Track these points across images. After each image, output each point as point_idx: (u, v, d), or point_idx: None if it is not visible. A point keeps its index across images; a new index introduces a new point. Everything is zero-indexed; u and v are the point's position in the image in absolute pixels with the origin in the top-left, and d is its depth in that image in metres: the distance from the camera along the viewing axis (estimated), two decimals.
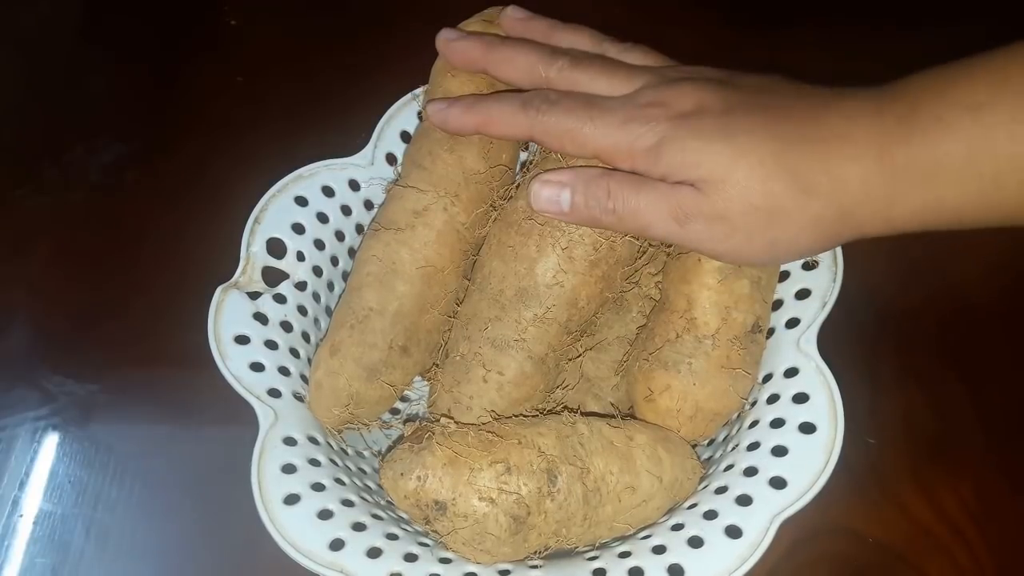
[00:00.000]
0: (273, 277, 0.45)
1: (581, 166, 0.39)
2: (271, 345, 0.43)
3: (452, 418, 0.40)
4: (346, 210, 0.48)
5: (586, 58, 0.40)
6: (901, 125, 0.34)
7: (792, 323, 0.42)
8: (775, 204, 0.35)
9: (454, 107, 0.41)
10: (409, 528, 0.39)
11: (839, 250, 0.43)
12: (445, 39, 0.43)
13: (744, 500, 0.38)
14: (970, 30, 0.66)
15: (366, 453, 0.45)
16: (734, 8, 0.68)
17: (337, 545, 0.36)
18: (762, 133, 0.35)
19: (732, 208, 0.35)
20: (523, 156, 0.48)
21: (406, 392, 0.46)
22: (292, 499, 0.37)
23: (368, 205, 0.48)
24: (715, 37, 0.66)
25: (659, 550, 0.37)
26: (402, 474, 0.36)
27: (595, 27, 0.44)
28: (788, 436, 0.39)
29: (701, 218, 0.36)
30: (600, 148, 0.38)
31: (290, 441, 0.39)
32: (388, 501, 0.41)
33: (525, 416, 0.41)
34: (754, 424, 0.41)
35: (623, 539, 0.39)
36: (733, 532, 0.37)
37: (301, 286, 0.45)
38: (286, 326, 0.44)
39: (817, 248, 0.37)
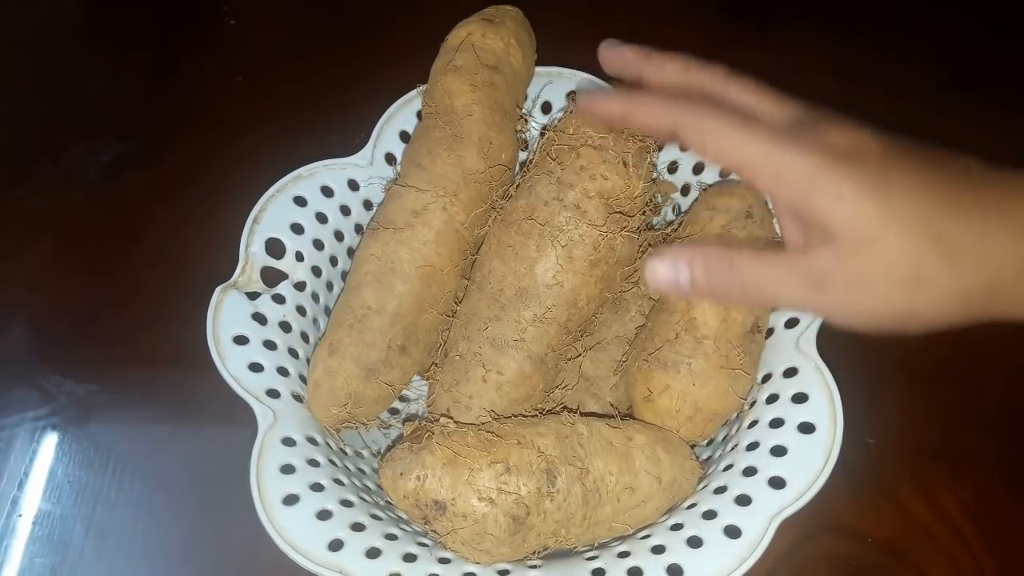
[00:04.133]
0: (272, 277, 0.45)
1: (697, 244, 0.37)
2: (270, 345, 0.43)
3: (451, 418, 0.40)
4: (345, 210, 0.48)
5: (742, 76, 0.38)
6: None
7: (791, 323, 0.42)
8: (922, 272, 0.33)
9: (604, 96, 0.39)
10: (408, 528, 0.39)
11: None
12: (607, 43, 0.41)
13: (743, 500, 0.38)
14: (967, 26, 0.66)
15: (365, 453, 0.45)
16: (734, 6, 0.68)
17: (336, 545, 0.36)
18: (919, 193, 0.33)
19: (874, 272, 0.33)
20: (522, 156, 0.48)
21: (405, 392, 0.46)
22: (291, 499, 0.37)
23: (367, 205, 0.48)
24: (715, 34, 0.66)
25: (658, 550, 0.37)
26: (401, 474, 0.36)
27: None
28: (787, 436, 0.39)
29: (839, 283, 0.34)
30: (743, 161, 0.35)
31: (289, 441, 0.39)
32: (387, 501, 0.41)
33: (524, 416, 0.41)
34: (753, 424, 0.41)
35: (622, 539, 0.39)
36: (732, 532, 0.37)
37: (300, 286, 0.45)
38: (285, 326, 0.44)
39: (956, 319, 0.35)
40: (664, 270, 0.37)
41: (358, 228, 0.48)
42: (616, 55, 0.41)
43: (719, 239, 0.38)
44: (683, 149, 0.48)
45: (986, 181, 0.34)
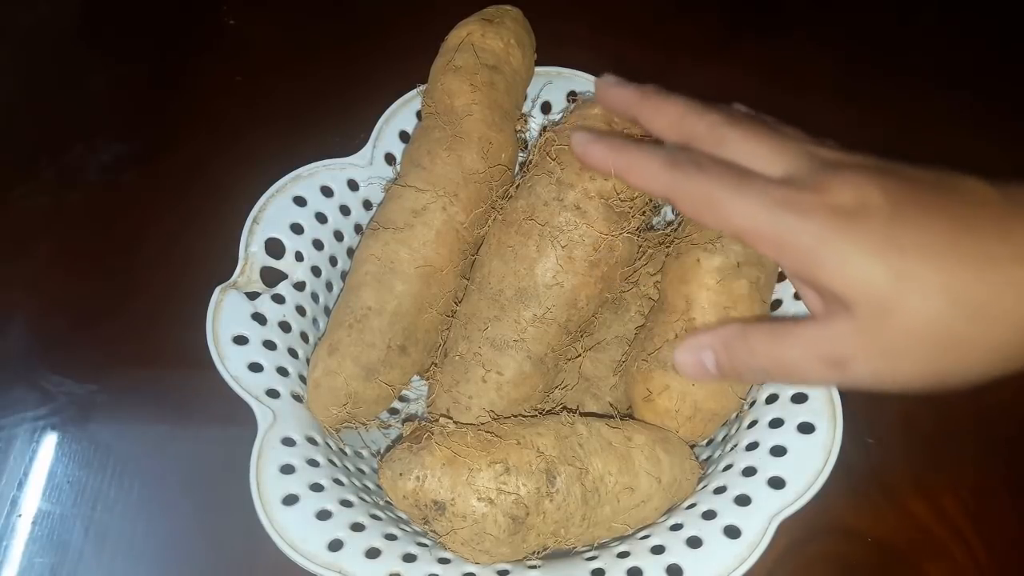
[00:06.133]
0: (272, 277, 0.45)
1: (717, 328, 0.36)
2: (269, 345, 0.43)
3: (451, 418, 0.40)
4: (345, 210, 0.48)
5: (741, 118, 0.36)
6: None
7: None
8: (950, 337, 0.31)
9: (599, 144, 0.38)
10: (408, 528, 0.39)
11: None
12: (604, 80, 0.40)
13: (743, 500, 0.38)
14: (968, 27, 0.66)
15: (365, 453, 0.45)
16: (733, 7, 0.68)
17: (336, 546, 0.36)
18: (938, 251, 0.30)
19: (898, 342, 0.31)
20: (521, 157, 0.48)
21: (404, 392, 0.46)
22: (291, 500, 0.37)
23: (367, 205, 0.48)
24: (713, 35, 0.66)
25: (658, 550, 0.37)
26: (401, 474, 0.36)
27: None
28: (787, 436, 0.39)
29: (862, 358, 0.32)
30: (743, 229, 0.33)
31: (288, 441, 0.39)
32: (387, 501, 0.41)
33: (524, 416, 0.41)
34: (753, 424, 0.41)
35: (622, 539, 0.39)
36: (732, 532, 0.37)
37: (300, 286, 0.45)
38: (284, 326, 0.44)
39: (993, 372, 0.33)
40: (690, 360, 0.36)
41: (358, 228, 0.48)
42: (613, 95, 0.40)
43: (737, 320, 0.37)
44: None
45: (1009, 215, 0.31)
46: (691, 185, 0.35)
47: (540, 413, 0.41)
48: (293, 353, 0.44)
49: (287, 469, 0.38)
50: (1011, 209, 0.31)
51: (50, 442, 0.50)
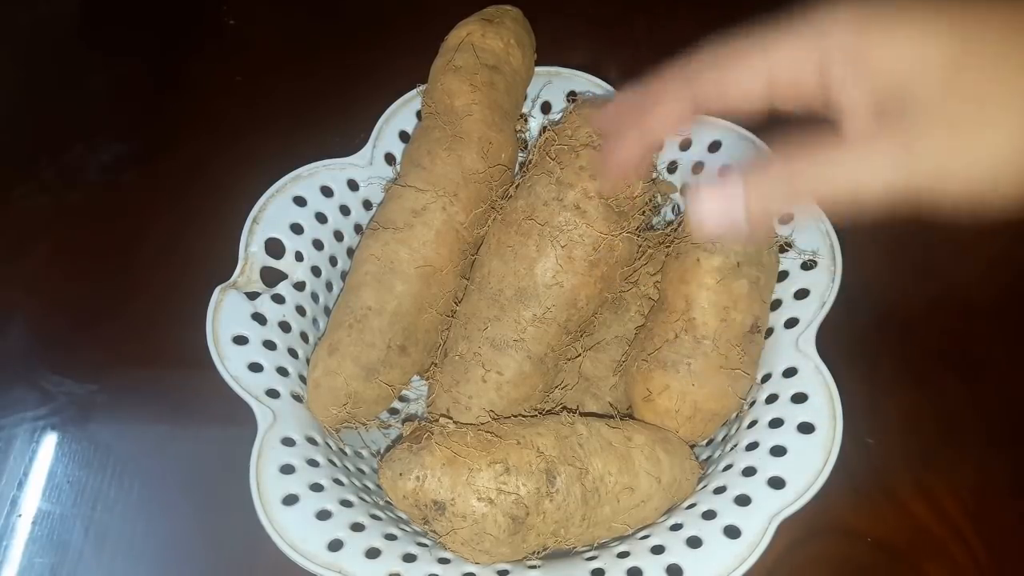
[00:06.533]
0: (272, 277, 0.45)
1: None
2: (269, 345, 0.43)
3: (451, 418, 0.40)
4: (345, 210, 0.48)
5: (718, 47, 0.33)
6: None
7: (791, 323, 0.42)
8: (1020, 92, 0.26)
9: (609, 144, 0.35)
10: (408, 528, 0.39)
11: (837, 249, 0.43)
12: (601, 112, 0.38)
13: (743, 500, 0.38)
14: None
15: (365, 453, 0.45)
16: (732, 6, 0.68)
17: (336, 546, 0.36)
18: (989, 11, 0.27)
19: (966, 111, 0.26)
20: (521, 157, 0.48)
21: (404, 392, 0.46)
22: (290, 500, 0.37)
23: (367, 205, 0.48)
24: (713, 36, 0.66)
25: (658, 550, 0.37)
26: (401, 474, 0.36)
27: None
28: (787, 436, 0.39)
29: (937, 130, 0.26)
30: (775, 65, 0.30)
31: (288, 441, 0.39)
32: (387, 501, 0.41)
33: (524, 416, 0.41)
34: (753, 424, 0.41)
35: (622, 539, 0.39)
36: (732, 532, 0.37)
37: (299, 286, 0.45)
38: (284, 326, 0.44)
39: None
40: (713, 210, 0.29)
41: (358, 228, 0.48)
42: (603, 119, 0.37)
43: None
44: (684, 148, 0.48)
45: None
46: (698, 75, 0.32)
47: (540, 413, 0.41)
48: (293, 353, 0.44)
49: (287, 469, 0.38)
50: None
51: (50, 442, 0.50)
